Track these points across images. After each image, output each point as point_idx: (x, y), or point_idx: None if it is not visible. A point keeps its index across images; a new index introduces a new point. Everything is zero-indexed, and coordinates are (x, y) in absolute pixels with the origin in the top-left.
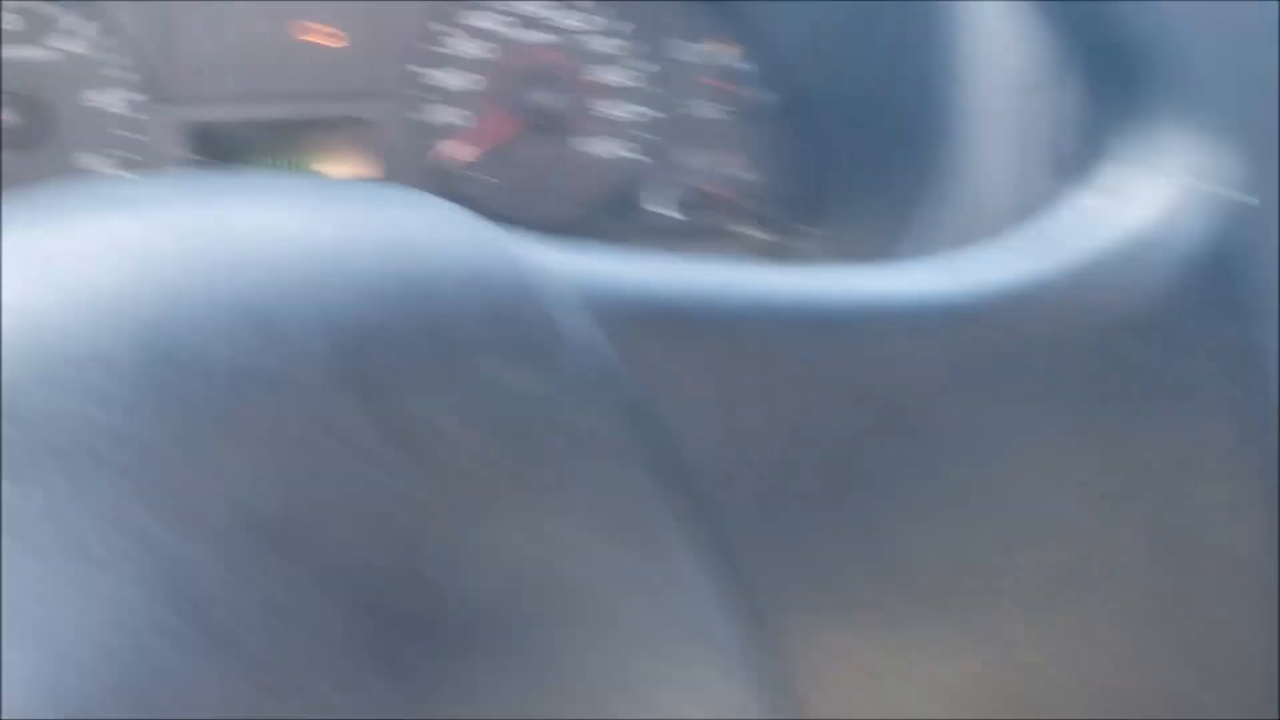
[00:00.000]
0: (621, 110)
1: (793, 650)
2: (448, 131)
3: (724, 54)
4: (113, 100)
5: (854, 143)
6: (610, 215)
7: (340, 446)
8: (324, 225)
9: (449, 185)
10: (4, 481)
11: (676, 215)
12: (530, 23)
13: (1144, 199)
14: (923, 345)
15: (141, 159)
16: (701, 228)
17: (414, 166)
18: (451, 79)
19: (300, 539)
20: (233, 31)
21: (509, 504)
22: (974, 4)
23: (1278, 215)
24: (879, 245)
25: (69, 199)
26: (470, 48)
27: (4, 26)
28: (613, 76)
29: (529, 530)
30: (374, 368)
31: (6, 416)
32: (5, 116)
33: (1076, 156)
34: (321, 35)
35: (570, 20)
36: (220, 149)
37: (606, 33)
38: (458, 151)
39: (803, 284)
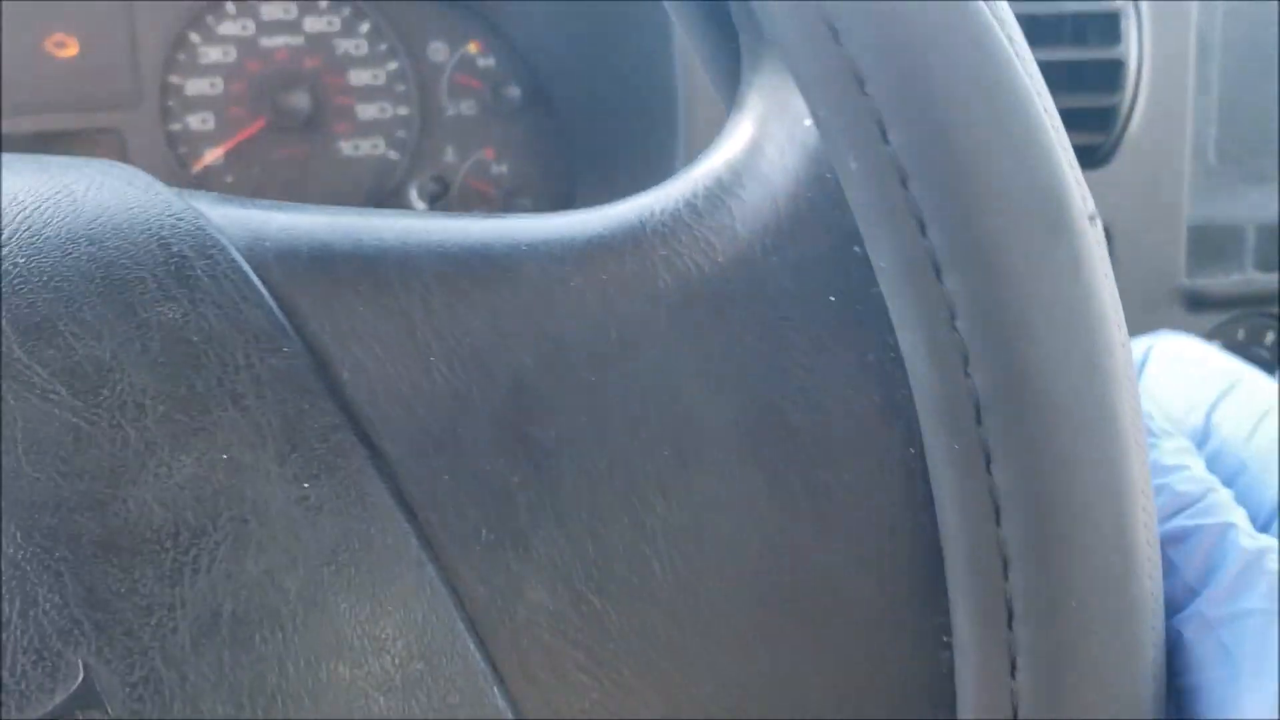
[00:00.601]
0: (372, 109)
1: (473, 589)
2: (199, 138)
3: (469, 51)
4: None
5: (595, 132)
6: None
7: (12, 386)
8: None
9: (205, 189)
10: None
11: (432, 209)
12: (276, 27)
13: (751, 138)
14: (583, 281)
15: None
16: None
17: (168, 173)
18: (201, 86)
19: None
20: None
21: (189, 437)
22: None
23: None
24: None
25: None
26: (220, 54)
27: None
28: (360, 76)
29: (211, 460)
30: (40, 312)
31: None
32: None
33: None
34: (72, 48)
35: (316, 23)
36: None
37: (351, 34)
38: (209, 156)
39: (475, 229)
